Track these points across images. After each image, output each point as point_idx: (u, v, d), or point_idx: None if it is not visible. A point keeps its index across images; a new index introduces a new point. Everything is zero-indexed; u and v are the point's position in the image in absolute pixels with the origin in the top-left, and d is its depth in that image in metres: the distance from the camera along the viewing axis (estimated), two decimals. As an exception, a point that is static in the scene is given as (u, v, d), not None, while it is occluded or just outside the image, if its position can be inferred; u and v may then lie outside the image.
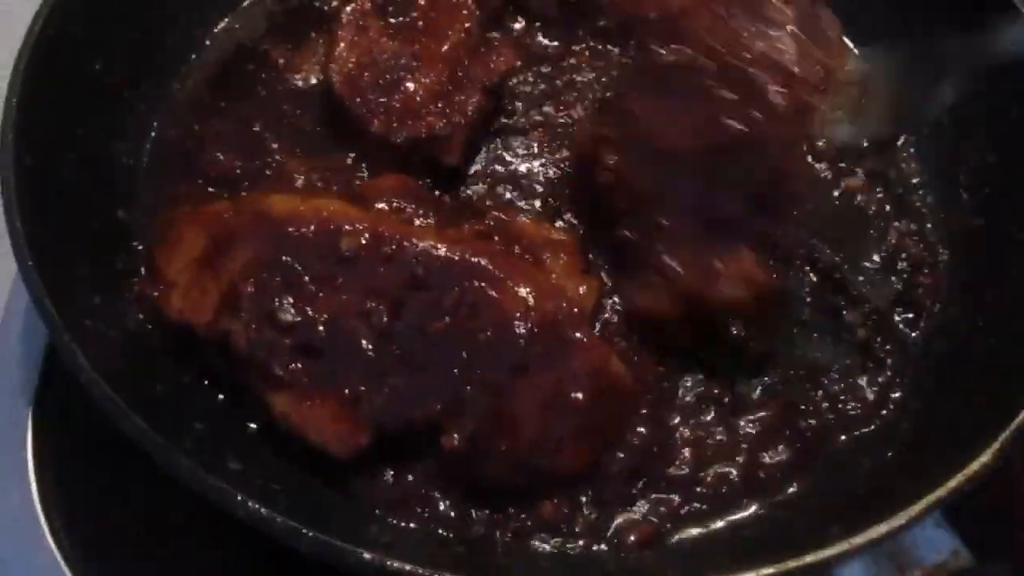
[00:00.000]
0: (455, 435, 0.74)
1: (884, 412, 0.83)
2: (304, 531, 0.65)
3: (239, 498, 0.66)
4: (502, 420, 0.75)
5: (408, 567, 0.65)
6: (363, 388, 0.75)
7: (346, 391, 0.75)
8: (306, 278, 0.77)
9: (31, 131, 0.82)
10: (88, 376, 0.71)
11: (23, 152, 0.80)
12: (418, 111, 0.94)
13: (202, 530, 0.79)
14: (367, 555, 0.65)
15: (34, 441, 0.83)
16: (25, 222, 0.77)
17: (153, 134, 0.97)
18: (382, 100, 0.94)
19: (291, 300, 0.76)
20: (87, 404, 0.77)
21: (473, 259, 0.79)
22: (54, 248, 0.79)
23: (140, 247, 0.88)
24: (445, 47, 0.98)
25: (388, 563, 0.65)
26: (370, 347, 0.76)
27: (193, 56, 1.03)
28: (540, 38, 1.06)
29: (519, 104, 1.01)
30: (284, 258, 0.78)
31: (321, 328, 0.76)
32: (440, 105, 0.94)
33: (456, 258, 0.79)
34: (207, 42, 1.04)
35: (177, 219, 0.86)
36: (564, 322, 0.76)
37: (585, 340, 0.77)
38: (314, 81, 1.02)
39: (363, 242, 0.79)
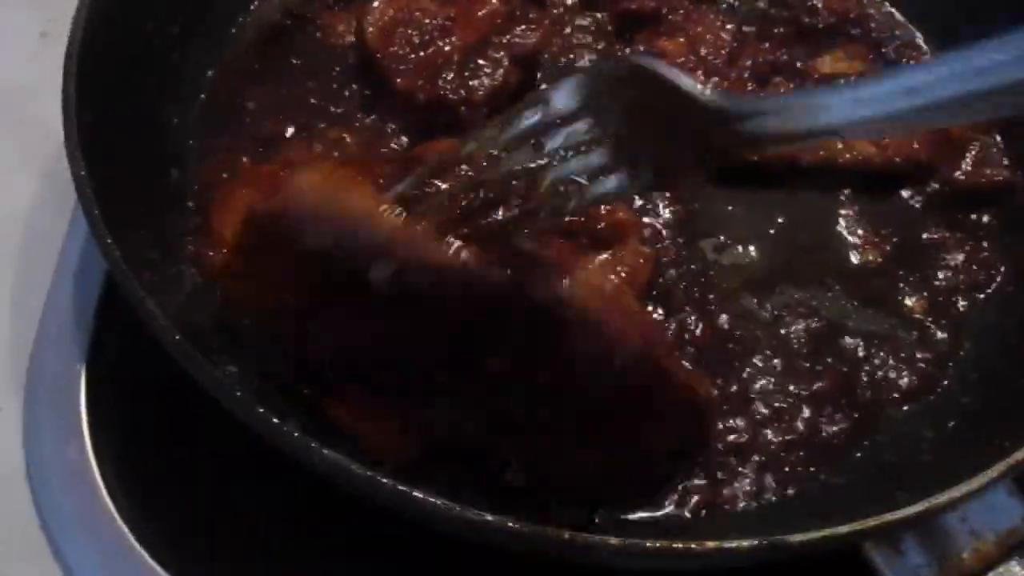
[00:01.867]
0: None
1: (944, 384, 0.83)
2: (382, 479, 0.65)
3: (313, 446, 0.65)
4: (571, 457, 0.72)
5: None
6: (422, 411, 0.73)
7: (403, 413, 0.73)
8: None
9: (89, 89, 0.81)
10: (159, 323, 0.70)
11: (83, 107, 0.80)
12: (443, 72, 0.93)
13: (259, 479, 0.78)
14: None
15: (87, 394, 0.83)
16: (90, 173, 0.76)
17: (202, 96, 0.96)
18: (411, 57, 0.94)
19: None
20: (142, 357, 0.77)
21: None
22: (115, 202, 0.77)
23: (192, 207, 0.88)
24: (482, 12, 0.97)
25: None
26: (432, 371, 0.71)
27: (241, 18, 1.02)
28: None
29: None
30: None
31: (378, 347, 0.71)
32: (466, 71, 0.93)
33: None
34: (254, 4, 1.04)
35: (230, 179, 0.85)
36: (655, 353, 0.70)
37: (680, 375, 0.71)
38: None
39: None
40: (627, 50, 1.00)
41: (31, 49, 1.05)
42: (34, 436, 0.82)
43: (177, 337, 0.69)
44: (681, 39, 0.98)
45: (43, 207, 0.94)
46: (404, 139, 0.94)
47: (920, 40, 1.03)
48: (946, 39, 0.99)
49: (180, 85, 0.95)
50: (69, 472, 0.79)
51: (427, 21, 0.95)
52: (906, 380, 0.83)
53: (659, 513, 0.75)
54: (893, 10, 1.04)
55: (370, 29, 0.95)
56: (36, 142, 0.96)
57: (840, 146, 0.91)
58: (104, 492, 0.78)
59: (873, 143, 0.91)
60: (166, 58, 0.95)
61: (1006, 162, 0.92)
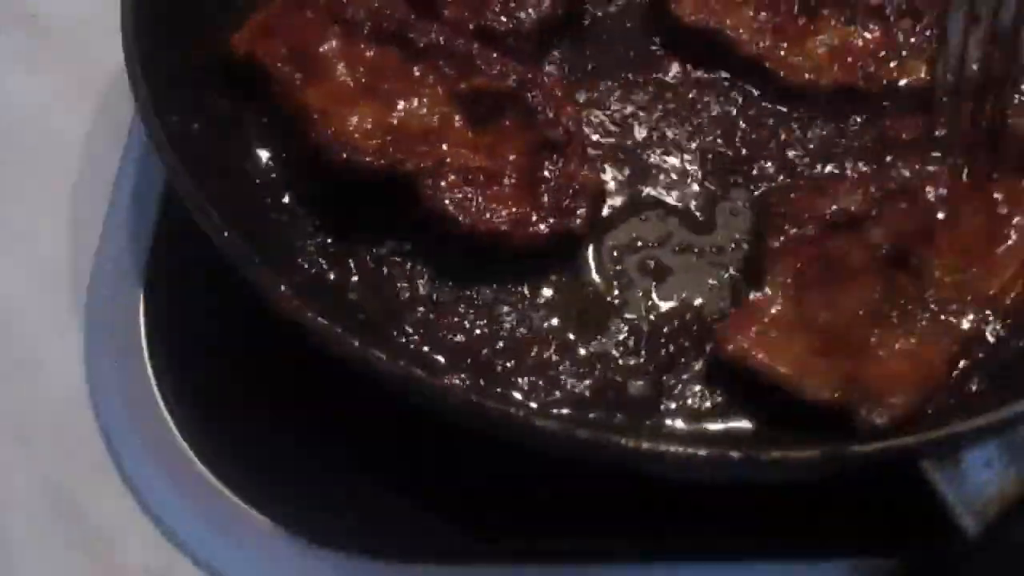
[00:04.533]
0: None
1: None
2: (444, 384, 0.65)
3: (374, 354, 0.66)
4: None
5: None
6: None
7: None
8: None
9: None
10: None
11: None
12: (488, 3, 0.92)
13: (317, 394, 0.79)
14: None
15: (146, 316, 0.84)
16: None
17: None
18: None
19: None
20: (199, 279, 0.80)
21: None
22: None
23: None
24: None
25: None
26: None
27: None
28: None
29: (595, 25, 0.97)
30: None
31: None
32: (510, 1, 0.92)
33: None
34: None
35: None
36: None
37: None
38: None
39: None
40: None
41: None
42: (96, 359, 0.83)
43: (227, 233, 0.71)
44: None
45: (98, 135, 0.96)
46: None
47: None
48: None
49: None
50: (130, 393, 0.81)
51: None
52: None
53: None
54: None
55: None
56: (92, 75, 0.98)
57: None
58: (165, 412, 0.80)
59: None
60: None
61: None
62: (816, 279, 0.78)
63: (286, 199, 0.85)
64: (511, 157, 0.83)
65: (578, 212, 0.81)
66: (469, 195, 0.80)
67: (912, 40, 0.92)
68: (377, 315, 0.80)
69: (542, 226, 0.80)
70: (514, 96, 0.86)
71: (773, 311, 0.76)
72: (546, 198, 0.81)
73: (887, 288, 0.78)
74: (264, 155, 0.88)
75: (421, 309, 0.80)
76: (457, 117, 0.86)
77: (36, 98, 1.00)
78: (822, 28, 0.93)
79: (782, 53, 0.92)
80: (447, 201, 0.80)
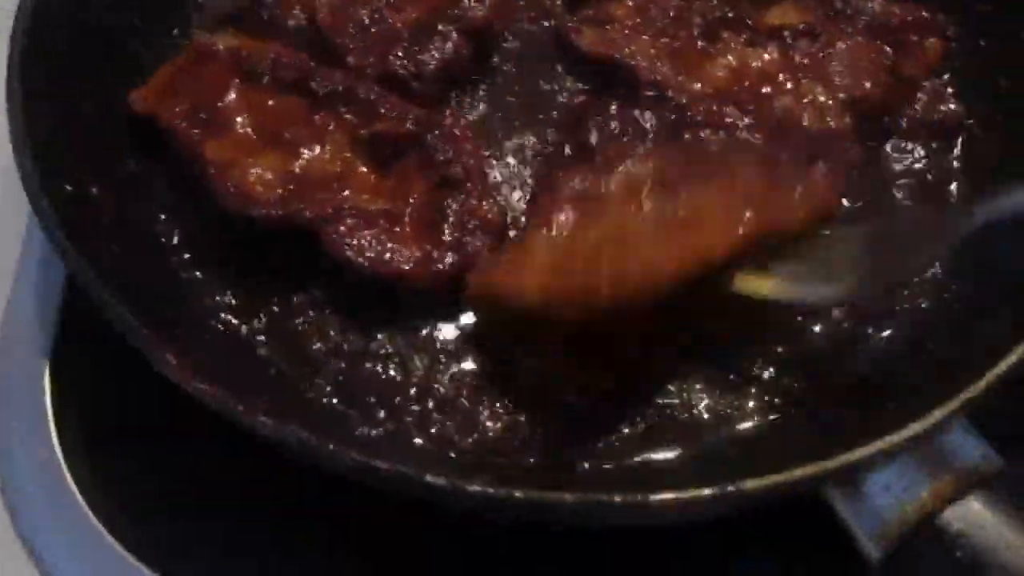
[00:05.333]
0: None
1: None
2: (349, 452, 0.65)
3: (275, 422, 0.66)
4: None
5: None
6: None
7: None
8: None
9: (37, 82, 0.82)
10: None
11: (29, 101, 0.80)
12: (393, 48, 0.93)
13: (231, 468, 0.79)
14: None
15: (52, 392, 0.83)
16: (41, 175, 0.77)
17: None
18: (362, 34, 0.94)
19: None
20: (107, 354, 0.78)
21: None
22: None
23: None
24: None
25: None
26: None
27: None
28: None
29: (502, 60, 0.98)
30: None
31: None
32: (416, 45, 0.93)
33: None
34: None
35: None
36: None
37: None
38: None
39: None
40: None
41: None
42: (2, 437, 0.82)
43: (112, 302, 0.71)
44: (629, 2, 0.97)
45: (3, 206, 0.93)
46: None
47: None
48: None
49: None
50: (39, 471, 0.80)
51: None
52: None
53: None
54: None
55: (324, 9, 0.95)
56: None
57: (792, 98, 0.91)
58: (75, 488, 0.79)
59: (826, 88, 0.91)
60: (124, 45, 0.95)
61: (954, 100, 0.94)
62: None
63: (194, 257, 0.85)
64: (413, 198, 0.84)
65: (479, 246, 0.81)
66: (369, 239, 0.80)
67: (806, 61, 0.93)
68: (288, 369, 0.80)
69: (444, 263, 0.80)
70: (414, 137, 0.86)
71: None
72: (447, 235, 0.82)
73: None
74: (170, 214, 0.87)
75: (332, 360, 0.81)
76: (359, 162, 0.86)
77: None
78: (722, 52, 0.94)
79: (681, 78, 0.92)
80: (347, 247, 0.80)
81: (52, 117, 0.82)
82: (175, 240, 0.86)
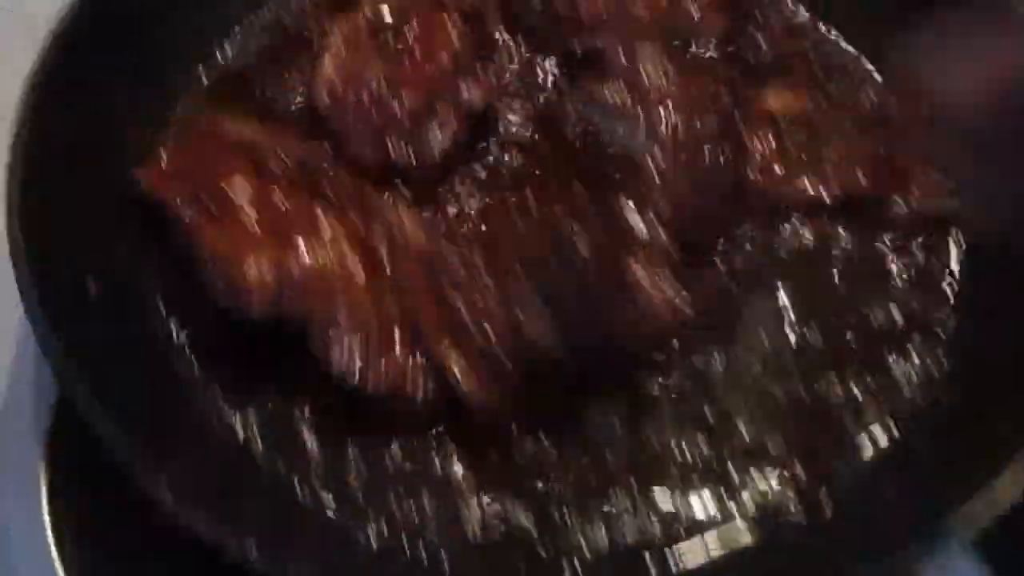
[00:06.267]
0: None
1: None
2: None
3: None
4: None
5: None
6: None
7: None
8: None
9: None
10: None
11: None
12: (392, 136, 0.93)
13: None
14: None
15: (48, 492, 0.83)
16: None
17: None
18: (361, 121, 0.95)
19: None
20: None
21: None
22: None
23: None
24: (430, 73, 0.98)
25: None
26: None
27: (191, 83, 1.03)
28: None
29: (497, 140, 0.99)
30: None
31: None
32: (415, 132, 0.94)
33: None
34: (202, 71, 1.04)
35: None
36: None
37: None
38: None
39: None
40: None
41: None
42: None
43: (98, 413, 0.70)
44: (621, 82, 0.96)
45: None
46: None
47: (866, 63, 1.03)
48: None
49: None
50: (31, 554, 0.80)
51: (375, 82, 0.96)
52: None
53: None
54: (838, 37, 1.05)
55: (323, 96, 0.96)
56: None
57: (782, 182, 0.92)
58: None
59: (816, 176, 0.92)
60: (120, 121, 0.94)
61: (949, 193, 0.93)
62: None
63: (191, 351, 0.85)
64: (406, 309, 0.83)
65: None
66: (357, 349, 0.80)
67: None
68: (281, 472, 0.80)
69: (427, 387, 0.80)
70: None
71: None
72: (430, 353, 0.80)
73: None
74: (167, 304, 0.87)
75: (322, 462, 0.81)
76: (358, 267, 0.85)
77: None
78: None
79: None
80: (334, 355, 0.79)
81: (48, 205, 0.82)
82: (173, 333, 0.86)
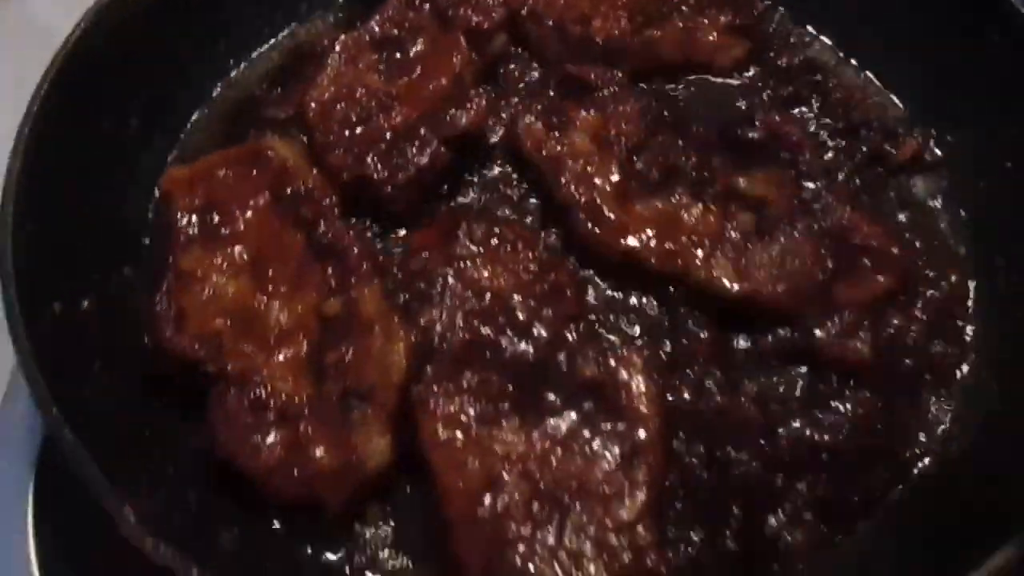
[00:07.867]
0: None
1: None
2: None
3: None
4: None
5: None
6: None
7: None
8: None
9: (34, 198, 0.86)
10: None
11: (24, 219, 0.85)
12: (372, 152, 0.95)
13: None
14: None
15: (35, 520, 0.89)
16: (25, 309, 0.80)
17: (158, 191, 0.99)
18: (345, 134, 0.97)
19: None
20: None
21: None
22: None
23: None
24: (426, 92, 0.99)
25: None
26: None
27: (198, 113, 1.08)
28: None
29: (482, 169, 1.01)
30: None
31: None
32: (395, 150, 0.95)
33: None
34: (214, 94, 1.09)
35: None
36: None
37: None
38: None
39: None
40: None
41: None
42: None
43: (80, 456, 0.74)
44: (599, 116, 0.97)
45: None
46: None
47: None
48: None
49: (137, 182, 1.01)
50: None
51: (369, 98, 0.98)
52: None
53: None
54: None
55: (312, 105, 0.99)
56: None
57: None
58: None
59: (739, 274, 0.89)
60: (124, 153, 1.00)
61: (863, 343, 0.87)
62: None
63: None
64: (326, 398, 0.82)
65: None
66: (248, 420, 0.79)
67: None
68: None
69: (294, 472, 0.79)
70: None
71: None
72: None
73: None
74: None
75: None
76: (306, 338, 0.85)
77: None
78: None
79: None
80: (219, 421, 0.80)
81: (41, 235, 0.86)
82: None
